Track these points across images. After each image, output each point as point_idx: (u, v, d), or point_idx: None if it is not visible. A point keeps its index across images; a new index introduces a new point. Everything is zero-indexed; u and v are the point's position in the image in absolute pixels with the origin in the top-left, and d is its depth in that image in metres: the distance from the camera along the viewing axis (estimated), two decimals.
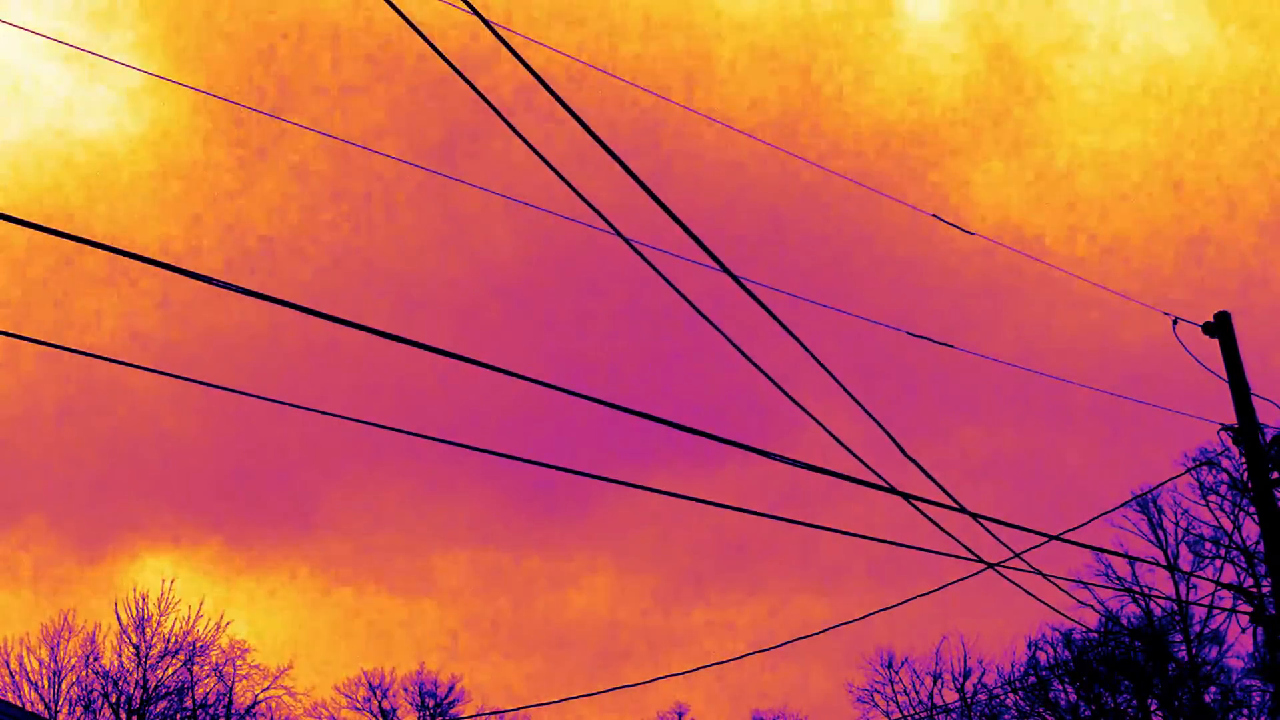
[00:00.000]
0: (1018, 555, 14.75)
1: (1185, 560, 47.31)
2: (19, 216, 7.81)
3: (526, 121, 9.70)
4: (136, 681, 47.73)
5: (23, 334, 8.47)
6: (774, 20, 76.89)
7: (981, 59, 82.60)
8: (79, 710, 47.18)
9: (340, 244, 75.06)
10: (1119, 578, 47.85)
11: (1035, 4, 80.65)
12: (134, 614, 48.47)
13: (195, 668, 48.93)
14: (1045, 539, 15.11)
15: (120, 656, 48.13)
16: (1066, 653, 52.32)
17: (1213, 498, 46.32)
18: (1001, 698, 55.28)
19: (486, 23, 9.38)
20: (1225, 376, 16.63)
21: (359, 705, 58.36)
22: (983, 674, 57.46)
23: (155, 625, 48.58)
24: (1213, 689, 49.50)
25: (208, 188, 71.42)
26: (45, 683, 47.23)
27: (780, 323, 11.27)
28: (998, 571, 14.77)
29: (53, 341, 8.70)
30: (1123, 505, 49.96)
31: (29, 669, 47.28)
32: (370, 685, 58.60)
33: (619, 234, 10.29)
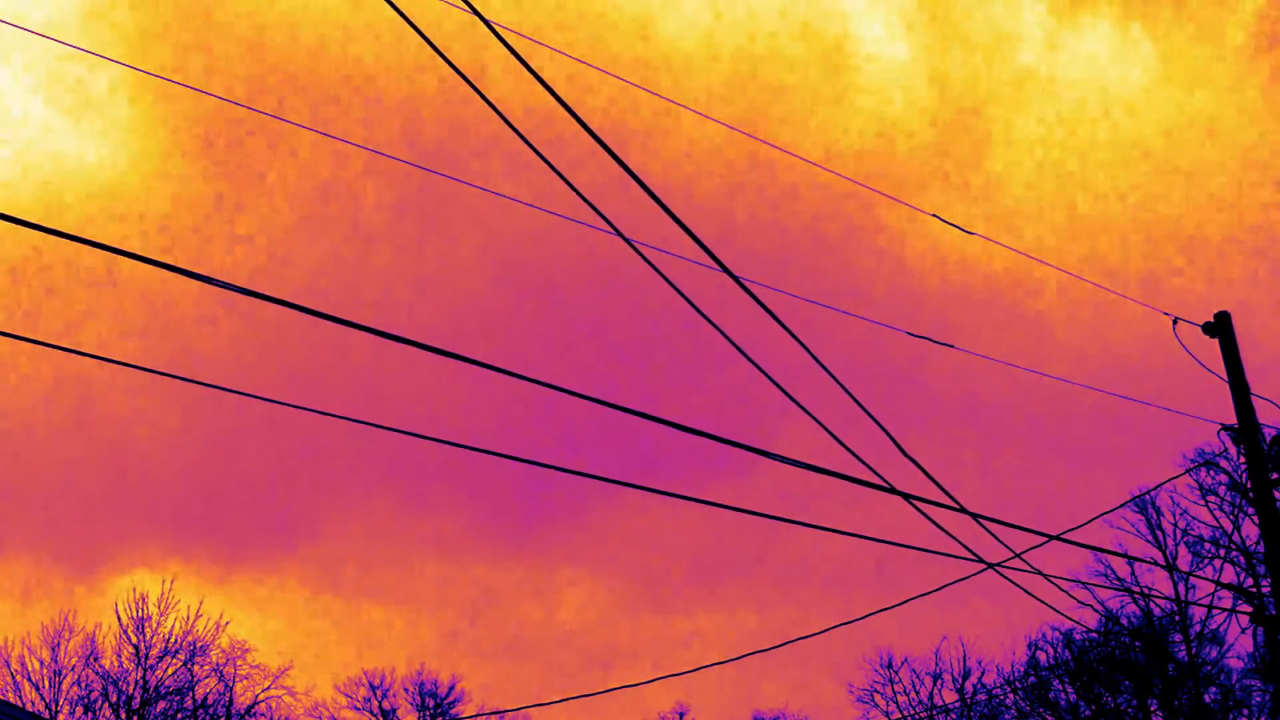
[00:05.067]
0: (1018, 555, 14.76)
1: (1184, 560, 47.36)
2: (19, 217, 7.81)
3: (526, 122, 9.71)
4: (136, 681, 47.75)
5: (21, 335, 8.48)
6: (727, 61, 77.31)
7: (944, 97, 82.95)
8: (79, 710, 47.20)
9: (338, 247, 75.09)
10: (1119, 578, 47.91)
11: (990, 48, 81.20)
12: (134, 614, 48.55)
13: (195, 668, 48.99)
14: (1045, 539, 15.11)
15: (120, 656, 48.20)
16: (1066, 653, 52.37)
17: (1212, 498, 46.35)
18: (1001, 698, 55.30)
19: (486, 23, 9.38)
20: (1225, 376, 16.63)
21: (359, 705, 58.42)
22: (983, 674, 57.55)
23: (155, 625, 48.65)
24: (1213, 689, 49.52)
25: (205, 202, 71.52)
26: (45, 683, 47.27)
27: (780, 323, 11.28)
28: (998, 571, 14.77)
29: (50, 342, 8.71)
30: (1122, 505, 50.03)
31: (29, 669, 47.34)
32: (370, 685, 58.65)
33: (619, 234, 10.29)
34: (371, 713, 58.55)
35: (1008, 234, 72.79)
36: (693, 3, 76.44)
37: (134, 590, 49.56)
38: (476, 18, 9.30)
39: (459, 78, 9.29)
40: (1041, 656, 53.90)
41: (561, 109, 9.66)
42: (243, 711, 49.72)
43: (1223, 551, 45.46)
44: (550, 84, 9.60)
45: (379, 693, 58.68)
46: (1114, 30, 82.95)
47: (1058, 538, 15.46)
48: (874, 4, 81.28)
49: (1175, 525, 48.27)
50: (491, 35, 9.44)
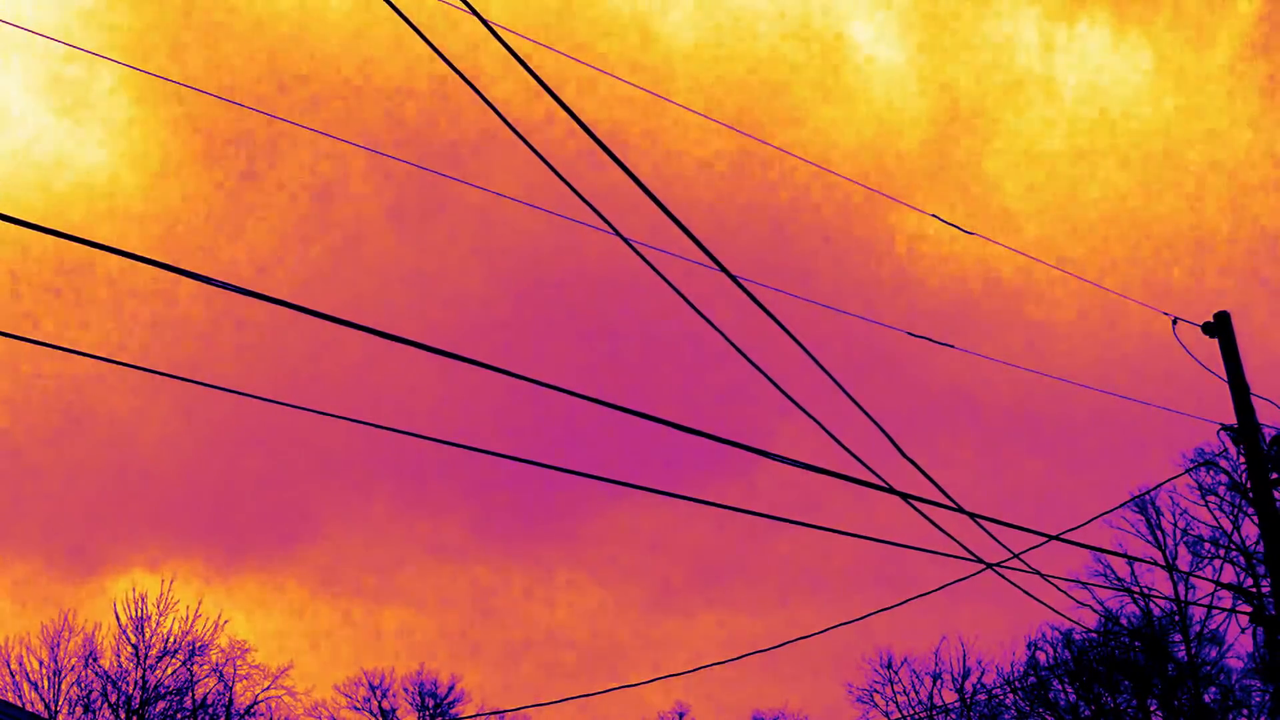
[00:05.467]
0: (1017, 555, 14.75)
1: (1184, 560, 47.38)
2: (19, 217, 7.81)
3: (524, 122, 9.70)
4: (136, 681, 47.75)
5: (21, 335, 8.47)
6: (724, 66, 77.42)
7: (942, 100, 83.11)
8: (79, 710, 47.19)
9: (336, 247, 75.11)
10: (1118, 578, 47.91)
11: (987, 50, 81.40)
12: (133, 614, 48.55)
13: (195, 667, 48.98)
14: (1045, 539, 15.11)
15: (120, 656, 48.19)
16: (1066, 653, 52.37)
17: (1212, 498, 46.35)
18: (1001, 698, 55.31)
19: (485, 23, 9.38)
20: (1225, 376, 16.63)
21: (359, 705, 58.41)
22: (982, 674, 57.54)
23: (154, 625, 48.65)
24: (1212, 689, 49.52)
25: (204, 203, 71.57)
26: (45, 683, 47.27)
27: (779, 323, 11.27)
28: (997, 572, 14.78)
29: (50, 342, 8.71)
30: (1122, 505, 50.05)
31: (29, 669, 47.33)
32: (370, 685, 58.64)
33: (619, 234, 10.29)
34: (371, 713, 58.58)
35: (1007, 235, 72.79)
36: (689, 6, 76.56)
37: (133, 590, 49.62)
38: (476, 18, 9.30)
39: (456, 77, 9.29)
40: (1041, 656, 53.96)
41: (559, 109, 9.66)
42: (243, 711, 49.72)
43: (1223, 551, 45.48)
44: (546, 83, 9.60)
45: (379, 693, 58.70)
46: (1110, 34, 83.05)
47: (1057, 538, 15.46)
48: (871, 8, 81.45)
49: (1175, 525, 48.32)
50: (489, 35, 9.44)
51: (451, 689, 59.53)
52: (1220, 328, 16.81)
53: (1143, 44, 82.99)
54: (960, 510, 13.26)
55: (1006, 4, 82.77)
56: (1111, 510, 42.63)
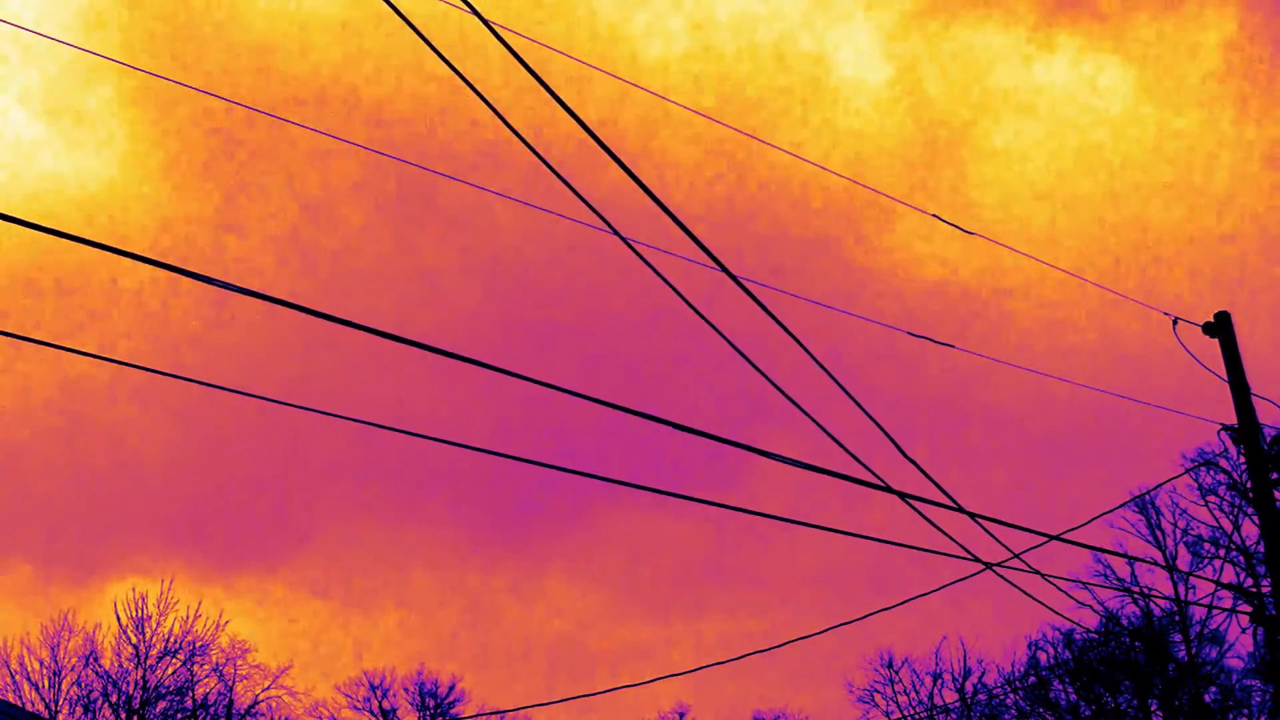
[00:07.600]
0: (1017, 556, 14.75)
1: (1184, 560, 47.39)
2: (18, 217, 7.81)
3: (525, 121, 9.70)
4: (136, 681, 47.74)
5: (21, 335, 8.47)
6: (711, 79, 77.59)
7: (945, 110, 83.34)
8: (79, 710, 47.19)
9: (335, 248, 75.09)
10: (1119, 578, 47.92)
11: (967, 71, 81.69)
12: (133, 614, 48.53)
13: (195, 667, 48.98)
14: (1045, 539, 15.11)
15: (120, 656, 48.19)
16: (1066, 653, 52.38)
17: (1212, 498, 46.33)
18: (1001, 698, 55.30)
19: (485, 23, 9.38)
20: (1225, 376, 16.62)
21: (359, 705, 58.41)
22: (983, 674, 57.56)
23: (155, 625, 48.64)
24: (1213, 689, 49.52)
25: (202, 206, 71.59)
26: (45, 683, 47.26)
27: (779, 323, 11.27)
28: (996, 572, 14.77)
29: (50, 342, 8.70)
30: (1122, 505, 50.02)
31: (29, 669, 47.33)
32: (370, 685, 58.64)
33: (618, 234, 10.29)
34: (371, 713, 58.57)
35: (1007, 236, 72.78)
36: (675, 24, 76.71)
37: (134, 590, 49.61)
38: (476, 17, 9.29)
39: (456, 77, 9.28)
40: (1041, 656, 53.97)
41: (557, 112, 9.66)
42: (243, 711, 49.71)
43: (1223, 551, 45.47)
44: (547, 83, 9.60)
45: (379, 693, 58.70)
46: (1108, 37, 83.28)
47: (1058, 538, 15.45)
48: (857, 26, 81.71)
49: (1175, 525, 48.31)
50: (489, 35, 9.44)
51: (451, 689, 59.57)
52: (1220, 328, 16.80)
53: (1141, 46, 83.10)
54: (960, 510, 13.26)
55: (1000, 13, 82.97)
56: (1111, 510, 42.53)
